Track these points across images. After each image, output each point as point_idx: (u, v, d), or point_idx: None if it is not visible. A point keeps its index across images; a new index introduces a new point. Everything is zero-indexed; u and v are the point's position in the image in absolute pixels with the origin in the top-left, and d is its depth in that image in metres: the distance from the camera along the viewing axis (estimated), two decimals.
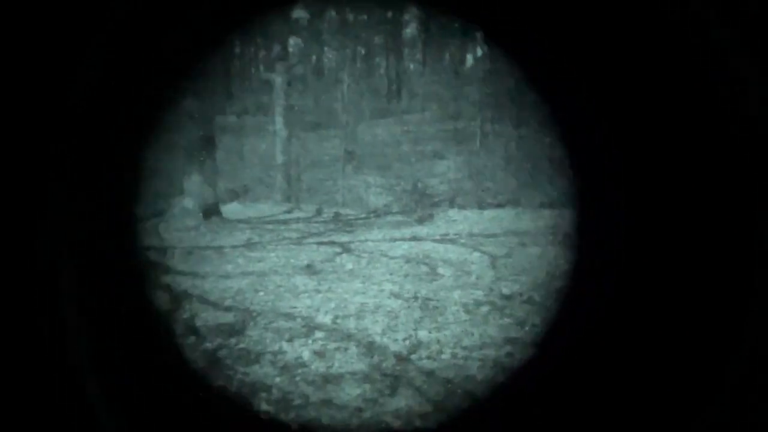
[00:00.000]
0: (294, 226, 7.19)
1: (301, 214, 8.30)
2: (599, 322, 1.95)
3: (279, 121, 10.26)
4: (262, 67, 13.44)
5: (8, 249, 1.54)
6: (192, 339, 3.10)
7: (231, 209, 8.11)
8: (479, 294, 3.92)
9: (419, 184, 9.19)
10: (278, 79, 10.19)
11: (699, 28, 1.60)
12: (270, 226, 7.15)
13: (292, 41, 11.80)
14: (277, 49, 10.85)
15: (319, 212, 8.62)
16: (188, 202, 7.11)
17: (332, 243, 5.86)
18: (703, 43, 1.61)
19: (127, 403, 1.85)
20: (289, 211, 8.66)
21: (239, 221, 7.41)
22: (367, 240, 6.02)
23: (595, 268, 2.04)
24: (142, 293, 2.55)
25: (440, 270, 4.64)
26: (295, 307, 3.66)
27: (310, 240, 6.11)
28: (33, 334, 1.58)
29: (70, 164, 1.66)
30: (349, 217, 8.06)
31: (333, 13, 12.16)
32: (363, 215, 8.31)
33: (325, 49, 13.09)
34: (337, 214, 8.39)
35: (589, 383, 1.90)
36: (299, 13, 11.61)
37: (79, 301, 1.70)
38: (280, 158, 10.29)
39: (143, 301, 2.53)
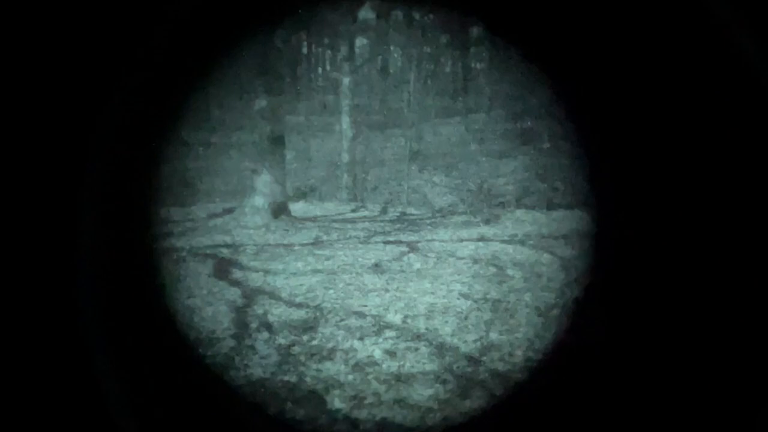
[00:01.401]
0: (360, 225, 7.25)
1: (366, 213, 8.36)
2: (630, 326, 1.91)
3: (345, 120, 10.36)
4: (329, 68, 13.61)
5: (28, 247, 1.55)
6: (265, 334, 3.16)
7: (298, 208, 8.25)
8: (550, 297, 3.85)
9: (485, 184, 9.10)
10: (345, 79, 10.28)
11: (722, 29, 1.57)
12: (337, 225, 7.23)
13: (359, 41, 11.89)
14: (343, 49, 10.95)
15: (384, 211, 8.66)
16: (258, 201, 7.27)
17: (399, 242, 5.87)
18: (724, 46, 1.57)
19: (143, 403, 1.86)
20: (354, 210, 8.74)
21: (307, 219, 7.53)
22: (433, 240, 6.01)
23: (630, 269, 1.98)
24: (158, 292, 2.57)
25: (509, 271, 4.58)
26: (365, 306, 3.68)
27: (377, 239, 6.14)
28: (49, 330, 1.59)
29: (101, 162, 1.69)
30: (415, 217, 8.06)
31: (399, 13, 12.17)
32: (428, 215, 8.29)
33: (392, 48, 13.12)
34: (402, 214, 8.41)
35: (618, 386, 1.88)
36: (366, 14, 11.68)
37: (95, 296, 1.72)
38: (345, 157, 10.39)
39: (159, 300, 2.55)
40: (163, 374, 2.05)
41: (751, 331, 1.62)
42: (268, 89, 7.45)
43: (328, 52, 13.83)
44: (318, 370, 2.75)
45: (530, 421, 2.13)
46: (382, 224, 7.33)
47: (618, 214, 2.01)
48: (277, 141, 7.46)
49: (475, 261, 4.93)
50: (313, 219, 7.68)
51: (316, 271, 4.57)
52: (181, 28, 1.76)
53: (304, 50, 13.45)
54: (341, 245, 5.73)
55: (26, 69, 1.50)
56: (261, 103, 7.34)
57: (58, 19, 1.51)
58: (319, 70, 14.23)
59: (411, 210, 8.73)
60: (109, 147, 1.66)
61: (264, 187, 7.31)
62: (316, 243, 5.89)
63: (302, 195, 9.53)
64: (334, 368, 2.78)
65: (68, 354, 1.60)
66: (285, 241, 5.92)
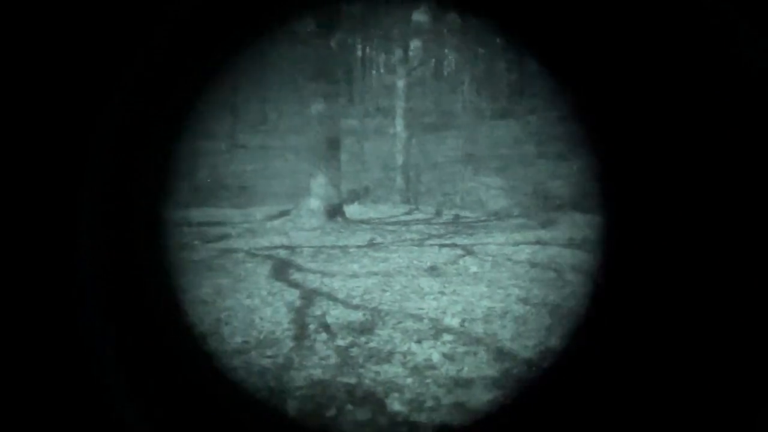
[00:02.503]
0: (415, 227, 7.24)
1: (420, 216, 8.34)
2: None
3: (399, 123, 10.38)
4: (383, 71, 13.67)
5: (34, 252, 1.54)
6: (324, 335, 3.19)
7: (353, 210, 8.31)
8: None
9: (541, 187, 8.97)
10: (399, 82, 10.31)
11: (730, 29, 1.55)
12: (391, 227, 7.25)
13: (414, 44, 11.91)
14: (398, 52, 10.98)
15: (438, 214, 8.63)
16: (313, 203, 7.36)
17: (454, 245, 5.84)
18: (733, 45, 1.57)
19: (148, 403, 1.86)
20: (408, 213, 8.74)
21: (361, 222, 7.57)
22: (489, 243, 5.95)
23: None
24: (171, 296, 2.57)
25: (568, 276, 4.49)
26: (421, 309, 3.68)
27: (432, 242, 6.13)
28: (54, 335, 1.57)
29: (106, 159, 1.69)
30: (469, 220, 8.01)
31: (454, 15, 12.13)
32: (483, 218, 8.23)
33: (446, 51, 13.09)
34: (456, 217, 8.36)
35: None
36: (420, 16, 11.68)
37: (98, 296, 1.72)
38: (399, 160, 10.41)
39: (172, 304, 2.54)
40: (168, 374, 2.05)
41: (752, 331, 1.63)
42: (324, 93, 7.53)
43: (383, 55, 13.89)
44: (377, 373, 2.76)
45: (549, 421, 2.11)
46: (436, 227, 7.30)
47: (638, 218, 1.98)
48: (333, 144, 7.54)
49: (533, 265, 4.86)
50: (368, 221, 7.72)
51: (372, 274, 4.58)
52: (182, 28, 1.76)
53: (359, 53, 13.55)
54: (396, 247, 5.74)
55: (26, 69, 1.50)
56: (317, 107, 7.43)
57: (57, 19, 1.51)
58: (374, 73, 14.31)
59: (465, 213, 8.68)
60: (109, 147, 1.67)
61: (319, 189, 7.39)
62: (371, 245, 5.91)
63: (356, 197, 9.60)
64: (392, 371, 2.79)
65: (72, 355, 1.60)
66: (340, 243, 5.97)
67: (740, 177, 1.63)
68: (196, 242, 5.91)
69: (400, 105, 10.37)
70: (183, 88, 2.18)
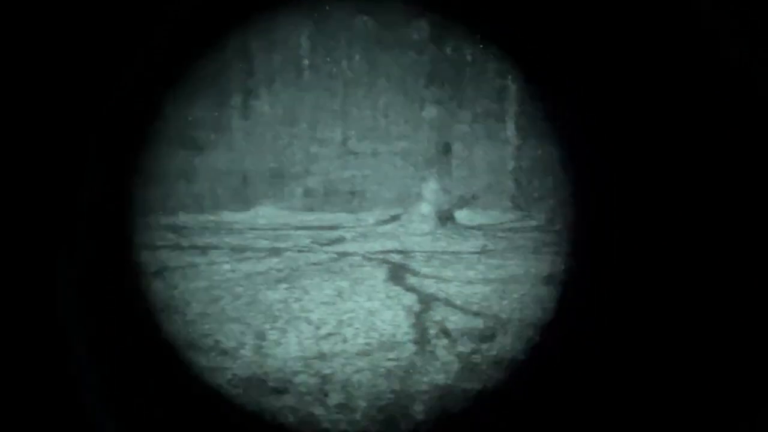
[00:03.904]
0: (528, 234, 7.10)
1: (533, 223, 8.17)
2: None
3: (510, 127, 10.22)
4: (494, 75, 13.53)
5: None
6: (445, 341, 3.19)
7: (463, 216, 8.26)
8: None
9: None
10: (512, 86, 10.16)
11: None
12: (502, 234, 7.15)
13: None
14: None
15: (551, 222, 8.41)
16: (425, 208, 7.38)
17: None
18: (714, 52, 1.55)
19: (127, 406, 1.83)
20: (519, 219, 8.59)
21: (472, 228, 7.52)
22: None
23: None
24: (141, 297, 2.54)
25: None
26: (542, 318, 3.60)
27: (547, 249, 5.98)
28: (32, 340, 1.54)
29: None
30: None
31: None
32: None
33: None
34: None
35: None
36: None
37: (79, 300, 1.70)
38: (510, 165, 10.25)
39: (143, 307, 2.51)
40: (148, 377, 2.05)
41: (750, 331, 1.62)
42: (437, 98, 7.55)
43: (494, 59, 13.75)
44: (500, 381, 2.73)
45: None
46: (550, 235, 7.12)
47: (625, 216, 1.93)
48: (445, 149, 7.54)
49: None
50: (478, 227, 7.65)
51: (488, 281, 4.54)
52: (182, 27, 1.76)
53: (469, 58, 13.49)
54: (510, 255, 5.65)
55: (26, 69, 1.49)
56: (430, 111, 7.46)
57: (57, 18, 1.50)
58: (485, 77, 14.20)
59: None
60: (107, 148, 1.67)
61: (430, 194, 7.41)
62: (484, 252, 5.85)
63: (466, 203, 9.54)
64: None
65: (49, 355, 1.58)
66: (453, 249, 5.95)
67: (733, 175, 1.64)
68: (313, 245, 6.09)
69: (512, 109, 10.21)
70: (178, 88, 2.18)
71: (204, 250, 5.58)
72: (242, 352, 2.99)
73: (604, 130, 1.95)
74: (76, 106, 1.51)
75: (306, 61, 11.73)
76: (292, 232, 7.08)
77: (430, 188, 7.41)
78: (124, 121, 1.83)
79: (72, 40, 1.49)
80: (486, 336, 3.27)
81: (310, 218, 8.55)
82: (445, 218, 7.34)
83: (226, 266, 4.89)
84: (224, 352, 2.98)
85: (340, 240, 6.49)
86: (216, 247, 5.74)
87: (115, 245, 2.07)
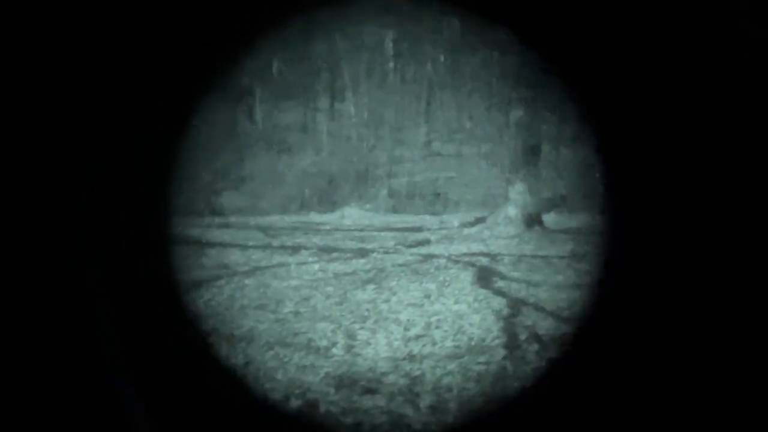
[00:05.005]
0: None
1: None
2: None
3: None
4: None
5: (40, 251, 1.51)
6: (536, 346, 3.14)
7: (550, 219, 8.08)
8: None
9: None
10: None
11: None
12: (591, 239, 6.93)
13: None
14: None
15: None
16: (511, 211, 7.28)
17: None
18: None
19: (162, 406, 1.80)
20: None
21: (560, 231, 7.34)
22: None
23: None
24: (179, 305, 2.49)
25: None
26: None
27: None
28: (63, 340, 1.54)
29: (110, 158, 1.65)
30: None
31: None
32: None
33: None
34: None
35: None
36: None
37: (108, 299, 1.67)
38: (598, 168, 9.95)
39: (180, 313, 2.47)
40: (182, 376, 2.04)
41: (750, 331, 1.63)
42: (524, 99, 7.44)
43: None
44: None
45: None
46: None
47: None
48: (532, 151, 7.41)
49: None
50: (566, 231, 7.46)
51: (579, 286, 4.41)
52: (182, 28, 1.72)
53: None
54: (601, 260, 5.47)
55: (26, 69, 1.48)
56: (517, 113, 7.35)
57: (57, 18, 1.49)
58: None
59: None
60: (108, 147, 1.64)
61: (517, 197, 7.30)
62: (574, 256, 5.70)
63: (553, 206, 9.33)
64: None
65: (86, 358, 1.58)
66: (541, 253, 5.83)
67: (739, 177, 1.65)
68: (399, 246, 6.13)
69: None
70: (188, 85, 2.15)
71: (294, 250, 5.72)
72: (333, 351, 3.05)
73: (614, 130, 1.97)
74: (76, 106, 1.52)
75: (391, 64, 11.82)
76: (377, 233, 7.15)
77: (517, 191, 7.30)
78: (155, 124, 1.90)
79: (72, 40, 1.50)
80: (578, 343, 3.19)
81: (395, 220, 8.61)
82: (532, 221, 7.21)
83: (316, 266, 5.00)
84: (316, 350, 3.04)
85: (425, 242, 6.50)
86: (305, 247, 5.88)
87: (153, 245, 2.12)
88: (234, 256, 5.31)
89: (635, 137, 2.06)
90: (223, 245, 5.79)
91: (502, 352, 3.05)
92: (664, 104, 1.82)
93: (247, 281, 4.41)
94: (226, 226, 7.26)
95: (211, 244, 5.81)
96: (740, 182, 1.65)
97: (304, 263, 5.11)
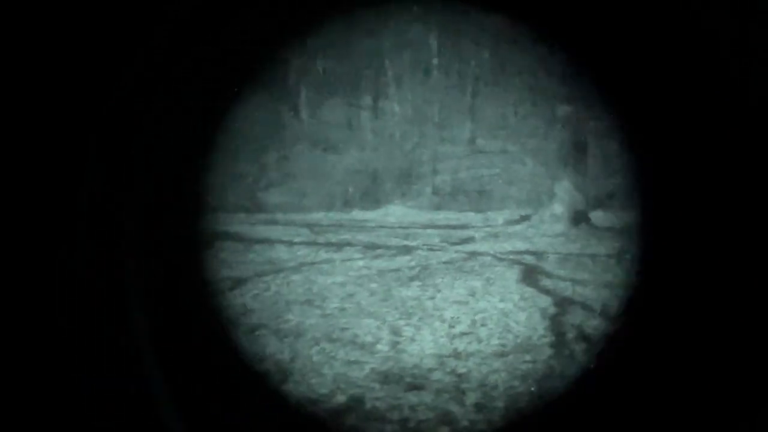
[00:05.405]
0: None
1: None
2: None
3: None
4: None
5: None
6: (584, 345, 3.09)
7: (598, 216, 7.94)
8: None
9: None
10: None
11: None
12: (638, 237, 6.78)
13: None
14: None
15: None
16: (557, 208, 7.18)
17: None
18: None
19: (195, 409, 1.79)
20: None
21: (607, 229, 7.20)
22: None
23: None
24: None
25: None
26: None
27: None
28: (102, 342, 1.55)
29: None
30: None
31: None
32: None
33: None
34: None
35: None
36: None
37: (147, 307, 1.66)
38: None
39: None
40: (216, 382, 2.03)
41: (750, 331, 1.61)
42: (571, 95, 7.32)
43: None
44: None
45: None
46: None
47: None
48: (579, 147, 7.29)
49: None
50: (612, 229, 7.32)
51: (626, 284, 4.33)
52: (183, 27, 1.70)
53: None
54: None
55: (25, 69, 1.47)
56: (564, 109, 7.24)
57: (57, 18, 1.48)
58: None
59: None
60: (108, 147, 1.61)
61: (564, 194, 7.19)
62: (622, 254, 5.59)
63: (600, 203, 9.16)
64: None
65: (123, 362, 1.59)
66: (589, 252, 5.74)
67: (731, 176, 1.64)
68: (443, 244, 6.12)
69: None
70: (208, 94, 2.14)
71: (338, 246, 5.77)
72: (378, 347, 3.07)
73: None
74: (76, 106, 1.51)
75: (435, 60, 11.78)
76: (421, 230, 7.14)
77: (563, 187, 7.19)
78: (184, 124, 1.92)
79: (72, 40, 1.49)
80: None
81: (439, 217, 8.59)
82: (578, 219, 7.09)
83: (360, 263, 5.03)
84: (361, 346, 3.06)
85: (470, 239, 6.46)
86: (349, 244, 5.92)
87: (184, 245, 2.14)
88: (280, 252, 5.38)
89: (635, 137, 2.05)
90: (270, 241, 5.87)
91: (548, 351, 3.02)
92: (664, 104, 1.80)
93: (293, 277, 4.47)
94: (272, 222, 7.36)
95: (258, 241, 5.90)
96: (740, 182, 1.64)
97: (349, 260, 5.15)
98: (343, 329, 3.31)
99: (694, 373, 1.80)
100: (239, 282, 4.21)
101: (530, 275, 4.61)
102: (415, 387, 2.61)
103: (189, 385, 1.87)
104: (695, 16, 1.59)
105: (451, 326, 3.38)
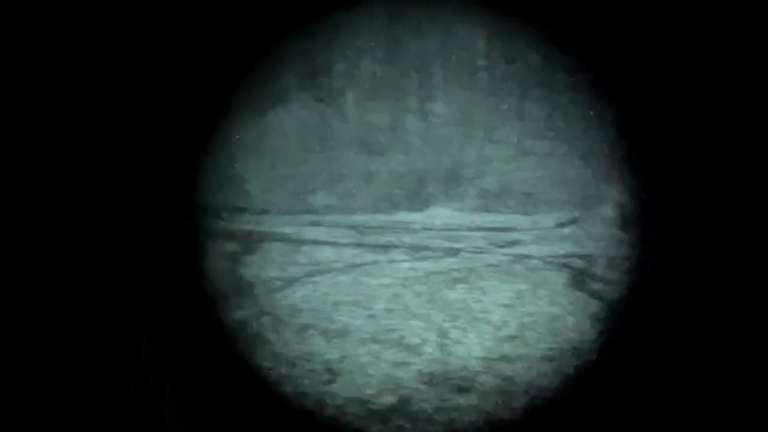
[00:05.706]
0: None
1: None
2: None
3: None
4: None
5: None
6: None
7: None
8: None
9: None
10: None
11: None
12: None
13: None
14: None
15: None
16: (607, 210, 7.05)
17: None
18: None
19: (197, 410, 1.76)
20: None
21: None
22: None
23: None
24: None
25: None
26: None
27: None
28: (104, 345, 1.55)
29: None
30: None
31: None
32: None
33: None
34: None
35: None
36: None
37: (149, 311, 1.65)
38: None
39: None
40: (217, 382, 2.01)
41: (750, 331, 1.60)
42: (619, 96, 7.18)
43: None
44: None
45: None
46: None
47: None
48: (629, 149, 7.14)
49: None
50: None
51: None
52: (183, 27, 1.69)
53: None
54: None
55: (25, 69, 1.48)
56: (612, 110, 7.11)
57: (57, 18, 1.48)
58: None
59: None
60: (108, 147, 1.61)
61: (614, 197, 7.06)
62: None
63: (650, 206, 8.96)
64: None
65: (123, 361, 1.59)
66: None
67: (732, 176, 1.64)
68: (490, 246, 6.08)
69: None
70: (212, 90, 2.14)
71: (385, 248, 5.80)
72: (425, 348, 3.08)
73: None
74: (76, 106, 1.53)
75: (481, 62, 11.72)
76: (467, 233, 7.12)
77: (614, 190, 7.05)
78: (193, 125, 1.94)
79: (72, 40, 1.51)
80: None
81: (485, 219, 8.54)
82: (628, 222, 6.95)
83: (406, 264, 5.04)
84: (408, 348, 3.08)
85: (517, 242, 6.41)
86: (395, 246, 5.94)
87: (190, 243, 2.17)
88: (327, 254, 5.44)
89: (634, 137, 2.05)
90: (317, 243, 5.94)
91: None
92: (664, 104, 1.79)
93: (341, 278, 4.51)
94: (320, 224, 7.45)
95: (305, 242, 5.98)
96: (740, 182, 1.64)
97: (395, 261, 5.17)
98: (389, 330, 3.34)
99: (694, 373, 1.77)
100: (288, 282, 4.28)
101: (580, 279, 4.55)
102: (462, 389, 2.61)
103: (189, 385, 1.91)
104: (695, 16, 1.58)
105: (498, 329, 3.37)
